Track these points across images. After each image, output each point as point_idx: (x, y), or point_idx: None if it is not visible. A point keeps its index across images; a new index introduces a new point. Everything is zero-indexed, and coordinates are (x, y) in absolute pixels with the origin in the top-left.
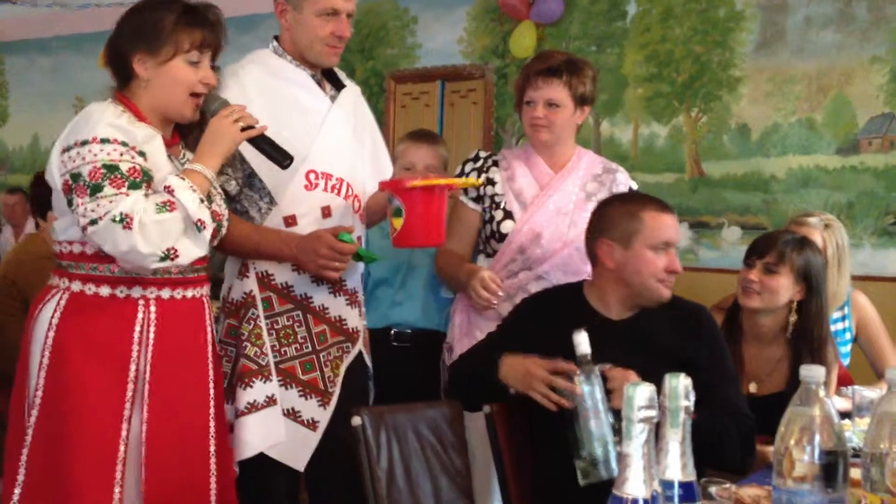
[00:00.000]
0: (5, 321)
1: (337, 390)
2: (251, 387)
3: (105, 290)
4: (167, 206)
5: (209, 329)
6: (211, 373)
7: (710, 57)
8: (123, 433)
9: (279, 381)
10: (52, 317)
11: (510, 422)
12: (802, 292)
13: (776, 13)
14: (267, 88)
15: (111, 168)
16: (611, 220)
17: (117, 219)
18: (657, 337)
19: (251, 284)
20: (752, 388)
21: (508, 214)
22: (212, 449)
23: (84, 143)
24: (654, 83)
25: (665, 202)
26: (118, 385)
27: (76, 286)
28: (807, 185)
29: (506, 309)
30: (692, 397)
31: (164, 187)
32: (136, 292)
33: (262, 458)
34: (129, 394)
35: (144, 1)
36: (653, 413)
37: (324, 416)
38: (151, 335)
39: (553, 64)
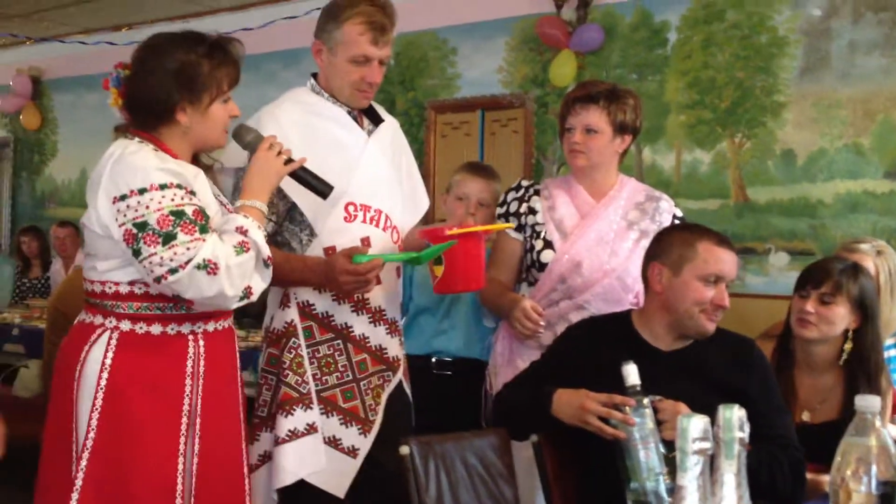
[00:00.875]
0: (56, 351)
1: (378, 418)
2: (292, 414)
3: (156, 329)
4: (243, 247)
5: (237, 355)
6: (240, 395)
7: (754, 83)
8: (180, 467)
9: (320, 409)
10: (105, 357)
11: (558, 450)
12: (858, 320)
13: (820, 38)
14: (304, 125)
15: (178, 214)
16: (666, 245)
17: (201, 265)
18: (706, 368)
19: (292, 314)
20: (806, 416)
21: (549, 244)
22: (245, 471)
23: (142, 190)
24: (696, 110)
25: (726, 238)
26: (174, 420)
27: (125, 325)
28: (854, 210)
29: (548, 338)
30: (747, 429)
31: (236, 228)
32: (186, 328)
33: (303, 485)
34: (184, 428)
35: (167, 39)
36: (707, 445)
37: (364, 443)
38: (202, 368)
39: (592, 91)
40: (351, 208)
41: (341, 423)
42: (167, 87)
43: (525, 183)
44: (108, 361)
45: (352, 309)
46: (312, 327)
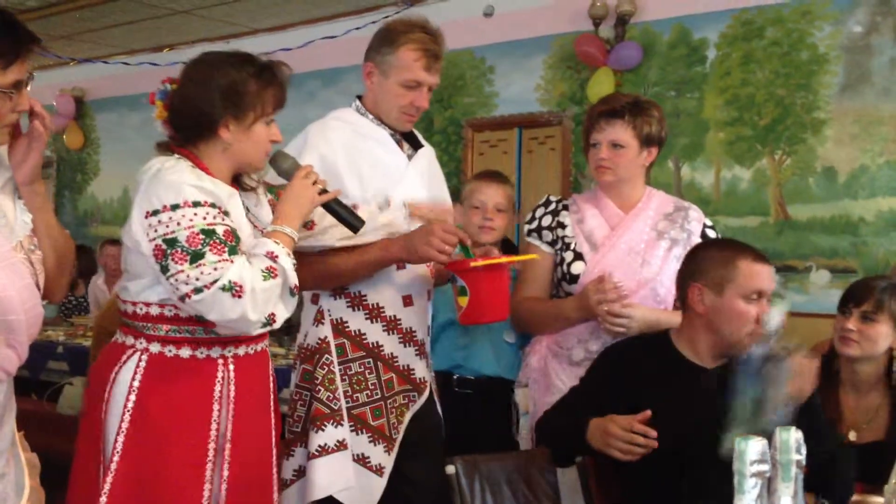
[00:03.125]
0: None
1: (399, 437)
2: (323, 430)
3: (186, 352)
4: (271, 273)
5: (272, 379)
6: (272, 418)
7: (794, 100)
8: (206, 493)
9: (350, 426)
10: (133, 379)
11: (602, 471)
12: None
13: (860, 55)
14: (350, 145)
15: (209, 233)
16: (704, 264)
17: (226, 287)
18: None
19: (326, 331)
20: (852, 436)
21: (579, 256)
22: (274, 497)
23: (175, 207)
24: (735, 127)
25: (761, 252)
26: (200, 445)
27: (155, 347)
28: None
29: (578, 354)
30: (804, 451)
31: (266, 253)
32: (216, 352)
33: (332, 501)
34: (210, 454)
35: (218, 56)
36: (765, 467)
37: (388, 461)
38: (231, 393)
39: (616, 105)
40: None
41: (370, 441)
42: (213, 101)
43: (553, 198)
44: (136, 384)
45: (384, 328)
46: (345, 345)
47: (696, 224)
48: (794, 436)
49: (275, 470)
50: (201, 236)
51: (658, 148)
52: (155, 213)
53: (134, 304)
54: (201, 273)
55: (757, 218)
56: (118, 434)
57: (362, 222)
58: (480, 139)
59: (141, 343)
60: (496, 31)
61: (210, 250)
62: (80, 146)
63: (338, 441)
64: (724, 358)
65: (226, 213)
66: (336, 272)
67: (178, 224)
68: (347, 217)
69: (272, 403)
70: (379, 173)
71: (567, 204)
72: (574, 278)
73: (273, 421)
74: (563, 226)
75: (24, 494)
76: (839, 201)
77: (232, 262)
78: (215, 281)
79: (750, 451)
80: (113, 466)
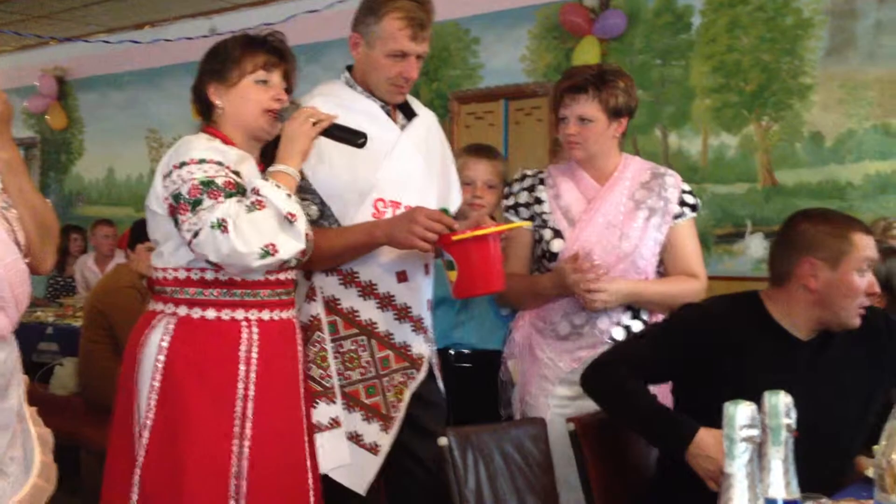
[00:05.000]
0: (94, 349)
1: (400, 415)
2: (315, 407)
3: (211, 314)
4: (257, 206)
5: (300, 348)
6: (301, 390)
7: (779, 65)
8: (235, 448)
9: (343, 404)
10: (162, 341)
11: (594, 439)
12: (885, 301)
13: (845, 19)
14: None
15: (208, 183)
16: (816, 238)
17: (215, 224)
18: (845, 349)
19: (318, 308)
20: None
21: (557, 233)
22: (308, 463)
23: (182, 164)
24: (722, 94)
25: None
26: (227, 404)
27: (182, 310)
28: (885, 191)
29: (564, 328)
30: (793, 414)
31: (251, 190)
32: (240, 314)
33: (327, 480)
34: (238, 411)
35: (216, 43)
36: (755, 432)
37: (386, 440)
38: (255, 354)
39: (579, 80)
40: (380, 204)
41: (363, 419)
42: (202, 73)
43: (529, 172)
44: (165, 345)
45: (377, 305)
46: (337, 322)
47: (674, 191)
48: (784, 400)
49: (306, 434)
50: (200, 186)
51: (628, 117)
52: (168, 174)
53: (164, 269)
54: (199, 218)
55: (745, 184)
56: (150, 392)
57: (364, 136)
58: (466, 111)
59: (169, 308)
60: (481, 2)
61: (207, 197)
62: (64, 126)
63: (331, 419)
64: (818, 331)
65: (235, 173)
66: (321, 255)
67: (182, 179)
68: (347, 136)
69: (301, 371)
70: (367, 150)
71: (543, 177)
72: (553, 256)
73: (302, 389)
74: (539, 201)
75: (34, 471)
76: (826, 166)
77: (223, 203)
78: (207, 221)
79: (739, 415)
80: (148, 423)
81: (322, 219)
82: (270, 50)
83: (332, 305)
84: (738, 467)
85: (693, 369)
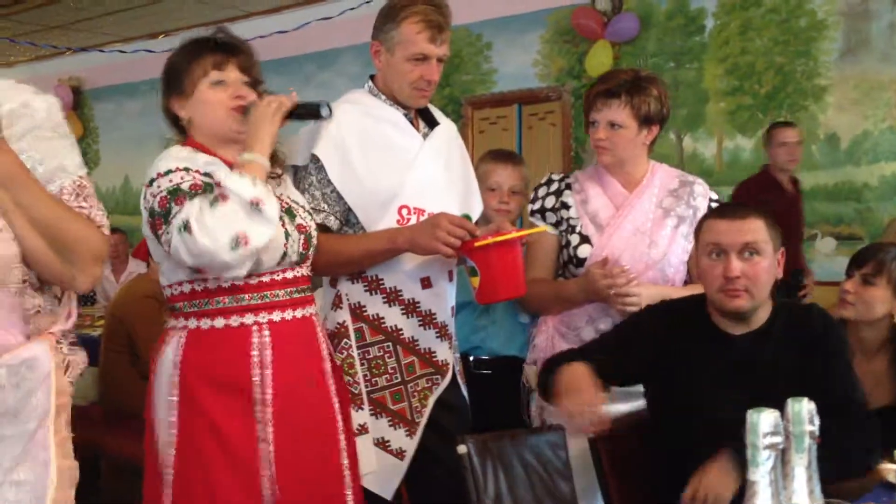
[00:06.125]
0: (115, 359)
1: (423, 420)
2: None
3: (219, 322)
4: (219, 199)
5: (323, 345)
6: (332, 387)
7: (794, 67)
8: (262, 452)
9: (370, 410)
10: (175, 356)
11: (614, 446)
12: None
13: (859, 20)
14: (361, 128)
15: (174, 192)
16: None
17: (181, 228)
18: (774, 353)
19: (344, 315)
20: None
21: (585, 238)
22: (345, 462)
23: (151, 181)
24: (736, 96)
25: (730, 208)
26: (247, 409)
27: (192, 323)
28: None
29: (588, 333)
30: (816, 422)
31: (215, 184)
32: (249, 319)
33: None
34: (259, 416)
35: (167, 58)
36: (778, 439)
37: (410, 445)
38: (269, 358)
39: (613, 85)
40: (404, 211)
41: (390, 425)
42: (163, 91)
43: (556, 177)
44: (178, 359)
45: (402, 311)
46: (363, 329)
47: (703, 199)
48: (807, 406)
49: (343, 434)
50: (168, 196)
51: (660, 126)
52: (143, 195)
53: (170, 286)
54: (170, 226)
55: None
56: (169, 409)
57: (325, 104)
58: (480, 117)
59: (180, 322)
60: (493, 7)
61: (174, 204)
62: (80, 136)
63: (359, 425)
64: (746, 323)
65: (206, 175)
66: (344, 260)
67: (153, 195)
68: (310, 111)
69: (329, 368)
70: (392, 157)
71: (570, 182)
72: (581, 262)
73: (333, 386)
74: (566, 206)
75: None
76: (842, 168)
77: (187, 204)
78: (175, 228)
79: (763, 423)
80: (173, 440)
81: (348, 226)
82: (216, 48)
83: (357, 312)
84: (761, 474)
85: (637, 366)
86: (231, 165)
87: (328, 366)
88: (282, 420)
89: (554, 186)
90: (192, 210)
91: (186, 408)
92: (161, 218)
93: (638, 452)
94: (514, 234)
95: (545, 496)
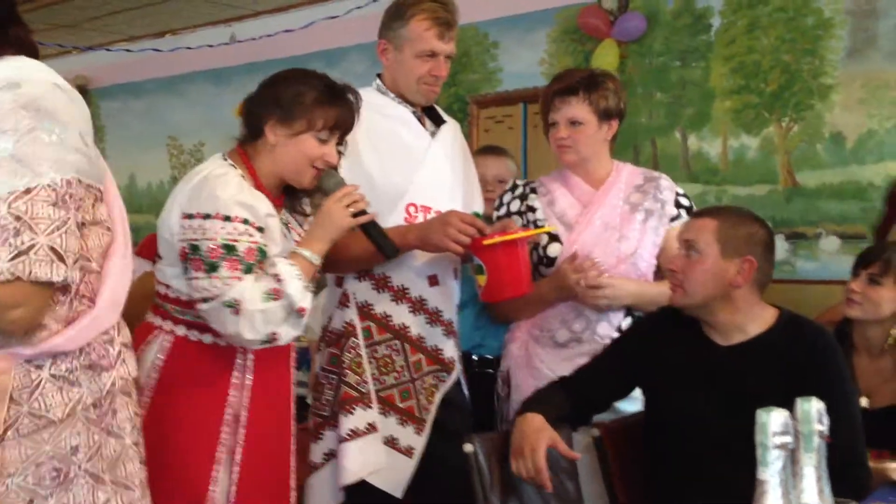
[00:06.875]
0: None
1: (431, 417)
2: (352, 413)
3: (208, 339)
4: (273, 295)
5: (292, 371)
6: (293, 411)
7: (800, 66)
8: (216, 473)
9: (379, 408)
10: (156, 360)
11: (619, 446)
12: None
13: (866, 19)
14: (371, 125)
15: (229, 248)
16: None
17: (228, 303)
18: (759, 366)
19: (351, 314)
20: (864, 402)
21: (554, 237)
22: (292, 483)
23: (206, 216)
24: (742, 95)
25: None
26: (213, 429)
27: (180, 331)
28: None
29: (562, 335)
30: (826, 421)
31: (275, 274)
32: None
33: (365, 483)
34: (224, 437)
35: (290, 71)
36: (788, 439)
37: (419, 442)
38: (248, 381)
39: (570, 82)
40: (412, 209)
41: (398, 423)
42: (267, 102)
43: (520, 182)
44: (159, 364)
45: (410, 309)
46: (371, 327)
47: (669, 193)
48: (816, 406)
49: (292, 463)
50: (221, 250)
51: (619, 120)
52: (190, 216)
53: (167, 286)
54: (212, 285)
55: (765, 186)
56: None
57: (396, 250)
58: (485, 115)
59: (168, 325)
60: (499, 5)
61: (225, 265)
62: None
63: (368, 424)
64: (741, 333)
65: (259, 230)
66: (353, 257)
67: (204, 234)
68: (381, 240)
69: (292, 394)
70: (401, 155)
71: (535, 186)
72: (552, 261)
73: (293, 409)
74: (532, 209)
75: None
76: (847, 167)
77: (241, 279)
78: (220, 295)
79: (772, 422)
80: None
81: None
82: (345, 109)
83: (365, 311)
84: (771, 474)
85: (631, 374)
86: (276, 204)
87: (291, 390)
88: (251, 441)
89: (518, 191)
90: (244, 293)
91: (155, 413)
92: (205, 265)
93: (643, 452)
94: (522, 234)
95: (551, 495)
